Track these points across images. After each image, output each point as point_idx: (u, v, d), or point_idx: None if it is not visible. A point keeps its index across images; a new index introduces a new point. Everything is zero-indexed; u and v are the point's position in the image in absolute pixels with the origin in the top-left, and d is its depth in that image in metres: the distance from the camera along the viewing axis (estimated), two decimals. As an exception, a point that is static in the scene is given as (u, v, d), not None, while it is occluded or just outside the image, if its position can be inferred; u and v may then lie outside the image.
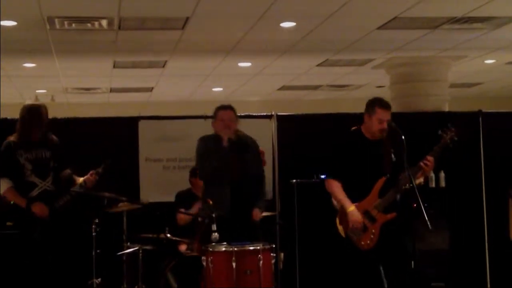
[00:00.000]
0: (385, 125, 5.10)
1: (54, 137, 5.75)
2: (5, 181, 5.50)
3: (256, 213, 5.47)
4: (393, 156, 5.10)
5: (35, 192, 5.50)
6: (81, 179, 5.71)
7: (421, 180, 5.24)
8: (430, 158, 5.14)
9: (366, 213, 5.06)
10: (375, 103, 5.19)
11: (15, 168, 5.48)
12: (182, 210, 6.75)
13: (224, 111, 5.67)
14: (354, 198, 5.09)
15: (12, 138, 5.61)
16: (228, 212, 5.36)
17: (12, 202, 5.64)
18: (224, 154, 5.46)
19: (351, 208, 5.04)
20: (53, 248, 5.48)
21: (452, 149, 5.26)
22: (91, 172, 5.75)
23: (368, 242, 5.05)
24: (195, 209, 6.66)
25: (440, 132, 5.25)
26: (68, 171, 5.78)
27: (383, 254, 5.08)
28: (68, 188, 5.67)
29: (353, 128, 5.34)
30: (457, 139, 5.21)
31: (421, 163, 5.13)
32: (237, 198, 5.45)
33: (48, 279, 5.42)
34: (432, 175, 7.84)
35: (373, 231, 5.05)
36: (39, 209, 5.45)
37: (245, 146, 5.61)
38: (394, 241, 5.12)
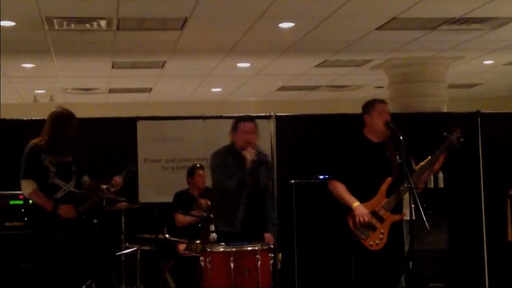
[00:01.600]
0: (388, 116, 5.08)
1: (77, 142, 5.66)
2: (30, 183, 5.44)
3: (269, 238, 5.27)
4: (398, 157, 5.06)
5: (59, 194, 5.44)
6: (104, 186, 5.67)
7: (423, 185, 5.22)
8: (442, 155, 5.07)
9: (374, 213, 4.99)
10: (372, 101, 5.20)
11: (40, 170, 5.44)
12: (181, 217, 6.75)
13: (247, 123, 5.31)
14: (361, 199, 5.04)
15: (36, 140, 5.55)
16: (236, 232, 5.21)
17: (30, 202, 5.62)
18: (246, 174, 5.20)
19: (356, 203, 5.00)
20: (75, 251, 5.44)
21: (453, 151, 5.21)
22: (116, 177, 5.71)
23: (377, 242, 4.98)
24: (193, 215, 6.67)
25: (445, 133, 5.17)
26: (86, 178, 5.71)
27: (389, 255, 5.03)
28: (92, 192, 5.64)
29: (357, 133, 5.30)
30: (463, 139, 5.13)
31: (431, 163, 5.09)
32: (249, 218, 5.26)
33: (57, 281, 5.40)
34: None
35: (382, 231, 4.98)
36: (65, 211, 5.38)
37: (261, 163, 5.34)
38: (399, 243, 5.10)
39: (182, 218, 6.75)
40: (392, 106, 9.60)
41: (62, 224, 5.38)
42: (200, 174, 6.95)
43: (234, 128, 5.33)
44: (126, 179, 5.75)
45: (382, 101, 5.23)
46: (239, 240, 5.05)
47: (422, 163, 5.24)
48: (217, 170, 5.35)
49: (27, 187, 5.46)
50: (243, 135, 5.26)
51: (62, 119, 5.58)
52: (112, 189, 5.68)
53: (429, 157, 5.20)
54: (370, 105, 5.17)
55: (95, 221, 5.68)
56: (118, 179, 5.67)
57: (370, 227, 4.98)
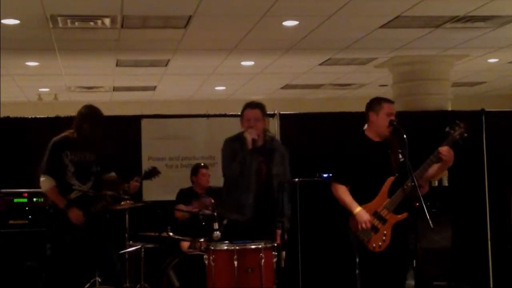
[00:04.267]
0: (393, 117, 5.02)
1: (101, 140, 5.62)
2: (49, 179, 5.43)
3: (279, 236, 5.21)
4: (400, 156, 5.00)
5: (73, 195, 5.44)
6: (126, 184, 5.67)
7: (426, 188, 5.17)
8: (444, 148, 4.89)
9: (375, 214, 4.94)
10: (380, 99, 5.12)
11: (59, 167, 5.43)
12: (182, 206, 6.77)
13: (250, 110, 5.35)
14: (363, 200, 5.00)
15: (62, 135, 5.53)
16: (247, 219, 5.19)
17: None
18: (247, 157, 5.19)
19: (358, 209, 4.95)
20: (82, 251, 5.44)
21: (456, 147, 5.12)
22: (136, 178, 5.72)
23: (380, 243, 4.93)
24: (194, 206, 6.68)
25: (447, 128, 5.01)
26: (113, 174, 5.72)
27: (393, 255, 5.00)
28: (114, 188, 5.64)
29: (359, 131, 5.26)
30: (467, 135, 4.99)
31: (440, 155, 4.89)
32: (259, 206, 5.22)
33: (62, 278, 5.41)
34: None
35: (385, 232, 4.93)
36: (74, 216, 5.37)
37: (272, 150, 5.33)
38: (403, 242, 5.04)
39: (181, 209, 6.75)
40: (396, 104, 9.51)
41: (71, 224, 5.39)
42: (203, 173, 6.96)
43: (241, 114, 5.39)
44: (148, 179, 5.75)
45: (390, 101, 5.15)
46: (251, 228, 5.05)
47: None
48: (224, 155, 5.39)
49: (45, 183, 5.45)
50: (246, 122, 5.30)
51: (92, 116, 5.54)
52: (129, 191, 5.68)
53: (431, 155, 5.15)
54: (377, 104, 5.09)
55: (108, 216, 5.65)
56: (135, 183, 5.69)
57: (372, 229, 4.95)
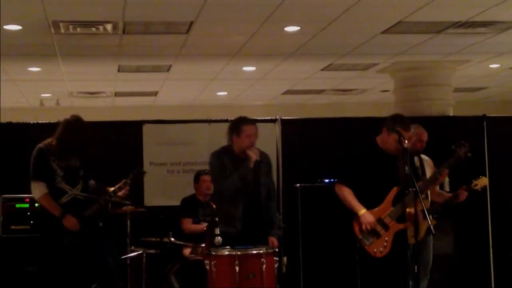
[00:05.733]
0: (404, 145, 4.98)
1: (86, 148, 5.69)
2: (41, 186, 5.47)
3: (273, 242, 5.26)
4: (406, 168, 5.03)
5: (65, 199, 5.47)
6: (111, 189, 5.69)
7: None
8: (446, 170, 5.39)
9: (379, 221, 5.00)
10: (397, 122, 5.09)
11: (48, 173, 5.47)
12: (189, 222, 6.75)
13: (250, 126, 5.34)
14: (367, 207, 5.03)
15: (45, 142, 5.58)
16: (237, 231, 5.23)
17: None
18: (247, 174, 5.22)
19: (362, 211, 5.01)
20: (80, 254, 5.46)
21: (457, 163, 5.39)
22: (123, 181, 5.72)
23: (381, 249, 4.99)
24: (200, 214, 6.69)
25: (453, 147, 5.35)
26: (92, 182, 5.75)
27: (393, 262, 5.02)
28: (98, 195, 5.65)
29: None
30: (470, 155, 5.37)
31: (438, 175, 5.38)
32: (249, 218, 5.26)
33: (62, 284, 5.41)
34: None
35: (387, 238, 4.99)
36: (70, 223, 5.41)
37: (267, 166, 5.41)
38: (404, 251, 5.09)
39: (189, 225, 6.76)
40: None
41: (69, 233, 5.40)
42: (204, 179, 6.95)
43: (237, 131, 5.33)
44: (134, 181, 5.76)
45: (406, 127, 5.09)
46: (242, 240, 5.06)
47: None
48: (213, 170, 5.41)
49: (37, 190, 5.49)
50: (247, 138, 5.28)
51: (74, 126, 5.60)
52: (119, 193, 5.69)
53: (435, 170, 5.35)
54: (393, 127, 5.05)
55: (101, 224, 5.70)
56: (122, 186, 5.69)
57: (374, 234, 4.99)
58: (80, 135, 5.56)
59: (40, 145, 5.58)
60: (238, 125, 5.36)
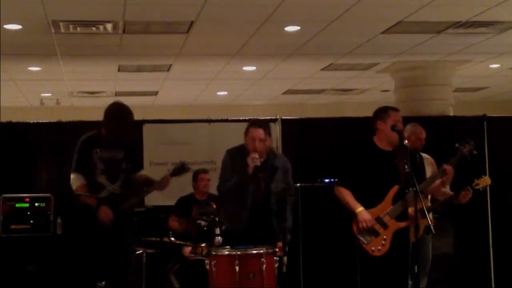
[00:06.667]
0: (401, 126, 5.06)
1: (130, 138, 5.60)
2: (80, 177, 5.40)
3: (280, 247, 5.17)
4: (406, 166, 5.02)
5: (103, 194, 5.40)
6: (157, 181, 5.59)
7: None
8: (448, 167, 5.27)
9: (378, 219, 4.98)
10: (387, 108, 5.17)
11: (88, 166, 5.40)
12: (174, 218, 6.76)
13: (255, 129, 5.30)
14: (366, 206, 5.02)
15: (90, 134, 5.50)
16: (240, 231, 5.24)
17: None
18: (246, 179, 5.22)
19: (360, 208, 4.99)
20: (112, 249, 5.37)
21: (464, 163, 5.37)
22: (165, 174, 5.64)
23: (379, 248, 4.96)
24: (194, 213, 6.68)
25: (457, 145, 5.34)
26: (143, 173, 5.69)
27: (393, 261, 5.01)
28: (141, 189, 5.59)
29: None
30: (476, 152, 5.38)
31: (440, 175, 5.32)
32: (254, 223, 5.25)
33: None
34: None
35: (385, 237, 4.97)
36: (105, 214, 5.31)
37: (273, 167, 5.35)
38: (403, 250, 5.07)
39: (173, 223, 6.76)
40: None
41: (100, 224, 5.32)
42: (202, 178, 6.95)
43: (245, 132, 5.37)
44: (176, 174, 5.65)
45: (396, 109, 5.19)
46: (243, 239, 5.06)
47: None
48: (224, 167, 5.43)
49: (75, 181, 5.42)
50: (251, 142, 5.29)
51: (120, 111, 5.48)
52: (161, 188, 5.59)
53: (438, 169, 5.35)
54: (384, 112, 5.12)
55: (136, 219, 5.62)
56: (164, 179, 5.57)
57: (373, 232, 4.97)
58: (127, 120, 5.45)
59: (85, 136, 5.48)
60: (247, 127, 5.40)
